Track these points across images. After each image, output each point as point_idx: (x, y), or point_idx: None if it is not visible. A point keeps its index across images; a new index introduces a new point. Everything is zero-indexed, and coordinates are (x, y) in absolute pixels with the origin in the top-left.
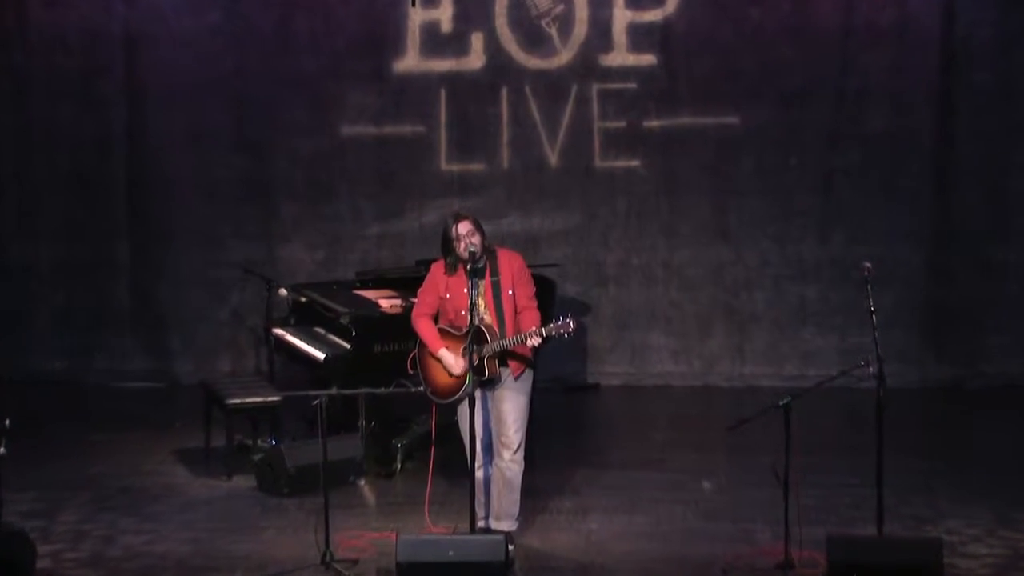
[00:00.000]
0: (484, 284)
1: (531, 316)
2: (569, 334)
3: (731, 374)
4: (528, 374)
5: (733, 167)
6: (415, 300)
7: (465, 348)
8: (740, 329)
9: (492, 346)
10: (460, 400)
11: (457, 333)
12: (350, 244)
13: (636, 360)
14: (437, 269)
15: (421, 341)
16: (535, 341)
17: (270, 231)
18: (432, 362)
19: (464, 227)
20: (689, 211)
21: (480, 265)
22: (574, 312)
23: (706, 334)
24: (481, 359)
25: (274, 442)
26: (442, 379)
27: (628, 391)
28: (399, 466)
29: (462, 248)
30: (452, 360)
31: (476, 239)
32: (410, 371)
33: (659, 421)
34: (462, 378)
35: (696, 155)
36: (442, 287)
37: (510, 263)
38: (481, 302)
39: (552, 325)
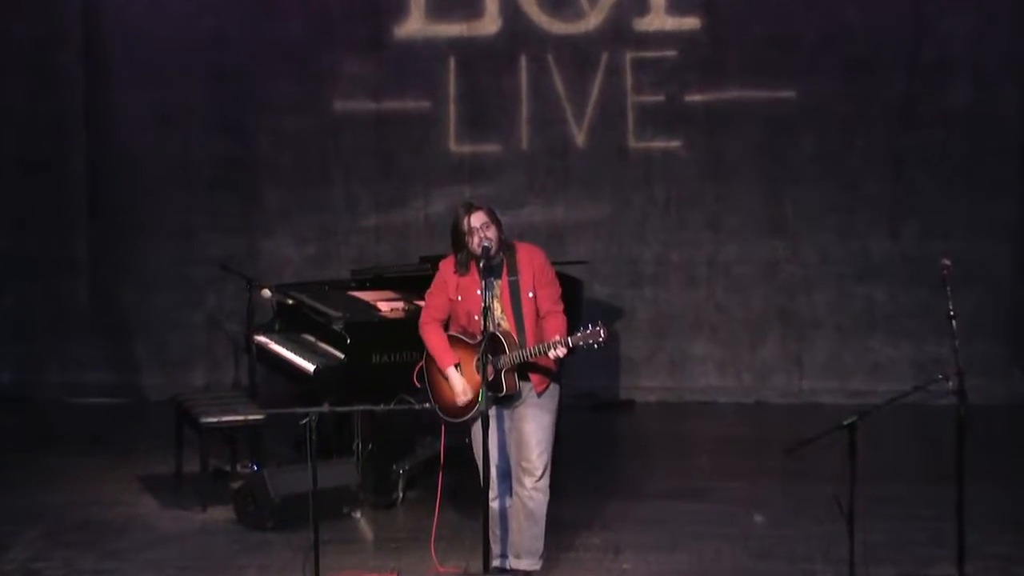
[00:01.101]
0: (500, 285)
1: (555, 322)
2: (599, 344)
3: (787, 389)
4: (553, 390)
5: (789, 149)
6: (420, 303)
7: (479, 359)
8: (797, 337)
9: (510, 357)
10: (473, 419)
11: (470, 341)
12: (344, 238)
13: (676, 373)
14: (446, 267)
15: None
16: (560, 352)
17: (252, 223)
18: (441, 375)
19: (477, 218)
20: (738, 200)
21: (496, 263)
22: (604, 318)
23: (758, 343)
24: (497, 372)
25: (256, 468)
26: (451, 394)
27: (667, 409)
28: (401, 495)
29: (475, 243)
30: (460, 385)
31: (491, 232)
32: (416, 384)
33: (703, 444)
34: (475, 394)
35: (746, 134)
36: (452, 288)
37: (530, 260)
38: (497, 305)
39: (580, 334)
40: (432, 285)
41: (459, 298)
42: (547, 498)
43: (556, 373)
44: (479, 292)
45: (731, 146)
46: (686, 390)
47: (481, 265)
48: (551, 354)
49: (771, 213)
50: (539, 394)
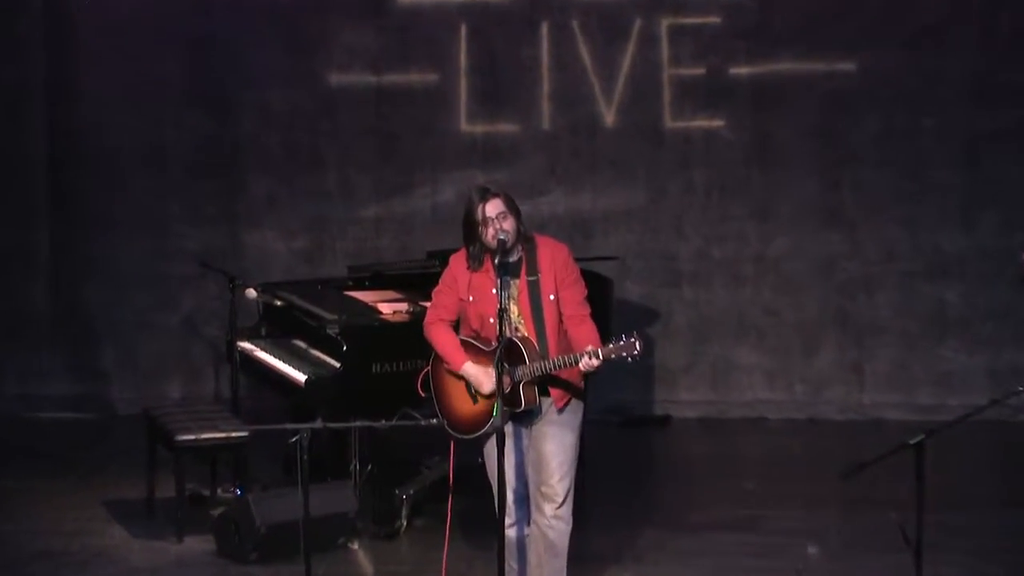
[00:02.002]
0: (519, 284)
1: (584, 330)
2: (634, 358)
3: (845, 403)
4: (576, 405)
5: (848, 129)
6: (426, 304)
7: (494, 368)
8: (857, 343)
9: (531, 368)
10: (487, 436)
11: (485, 348)
12: (340, 230)
13: (719, 384)
14: (457, 263)
15: (436, 354)
16: (593, 364)
17: (235, 213)
18: (451, 383)
19: (494, 207)
20: (789, 187)
21: (513, 259)
22: (637, 321)
23: (812, 350)
24: (515, 384)
25: (239, 492)
26: (464, 406)
27: (708, 426)
28: (404, 524)
29: (490, 235)
30: (481, 374)
31: (509, 223)
32: (421, 394)
33: (749, 466)
34: (491, 404)
35: (799, 113)
36: (463, 286)
37: (552, 257)
38: (514, 308)
39: (612, 345)
40: (440, 282)
41: (471, 298)
42: (570, 528)
43: (581, 387)
44: (494, 291)
45: (782, 126)
46: (730, 404)
47: (496, 261)
48: (582, 365)
49: (827, 202)
50: (560, 410)
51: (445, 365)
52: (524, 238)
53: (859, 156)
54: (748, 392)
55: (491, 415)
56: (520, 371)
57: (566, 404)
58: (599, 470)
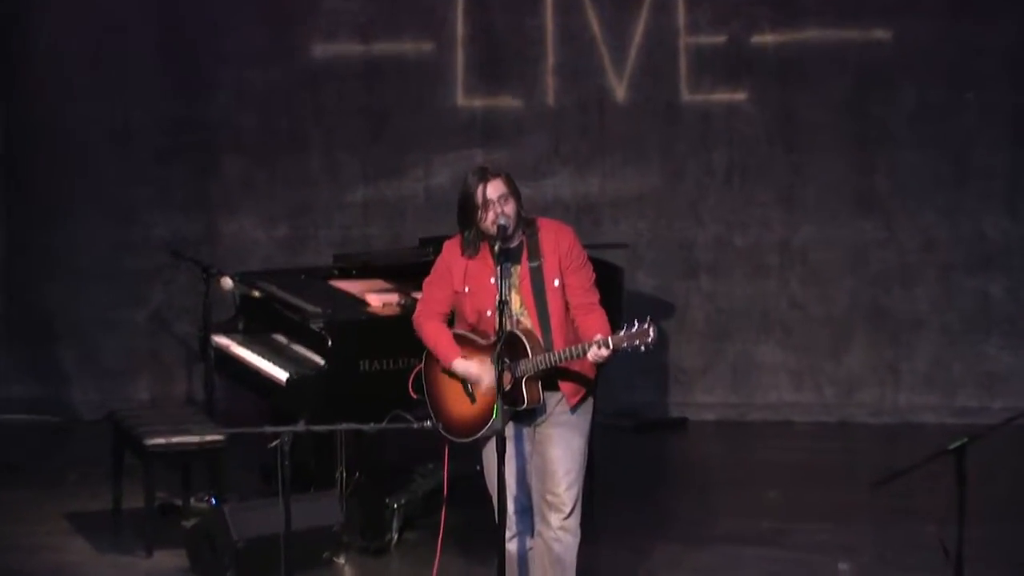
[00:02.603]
0: (519, 271)
1: (593, 318)
2: (647, 347)
3: (880, 405)
4: (587, 405)
5: (882, 104)
6: (419, 296)
7: (494, 363)
8: (892, 340)
9: (534, 362)
10: (486, 439)
11: (482, 342)
12: (325, 215)
13: (740, 385)
14: (450, 251)
15: (428, 352)
16: (601, 354)
17: (209, 197)
18: (446, 382)
19: (495, 189)
20: (818, 168)
21: (513, 244)
22: (652, 317)
23: (843, 348)
24: (517, 381)
25: (214, 502)
26: (460, 407)
27: (729, 429)
28: (395, 537)
29: (490, 220)
30: (476, 370)
31: (510, 207)
32: (413, 395)
33: (774, 473)
34: (490, 405)
35: (828, 86)
36: (458, 276)
37: (556, 241)
38: (516, 298)
39: (624, 333)
40: (432, 272)
41: (466, 289)
42: (577, 540)
43: (591, 382)
44: (492, 281)
45: (809, 101)
46: (752, 407)
47: (496, 248)
48: (591, 356)
49: (859, 186)
50: (573, 408)
51: (437, 363)
52: (526, 222)
53: (894, 135)
54: (772, 393)
55: (490, 416)
56: (522, 366)
57: (577, 403)
58: (610, 478)
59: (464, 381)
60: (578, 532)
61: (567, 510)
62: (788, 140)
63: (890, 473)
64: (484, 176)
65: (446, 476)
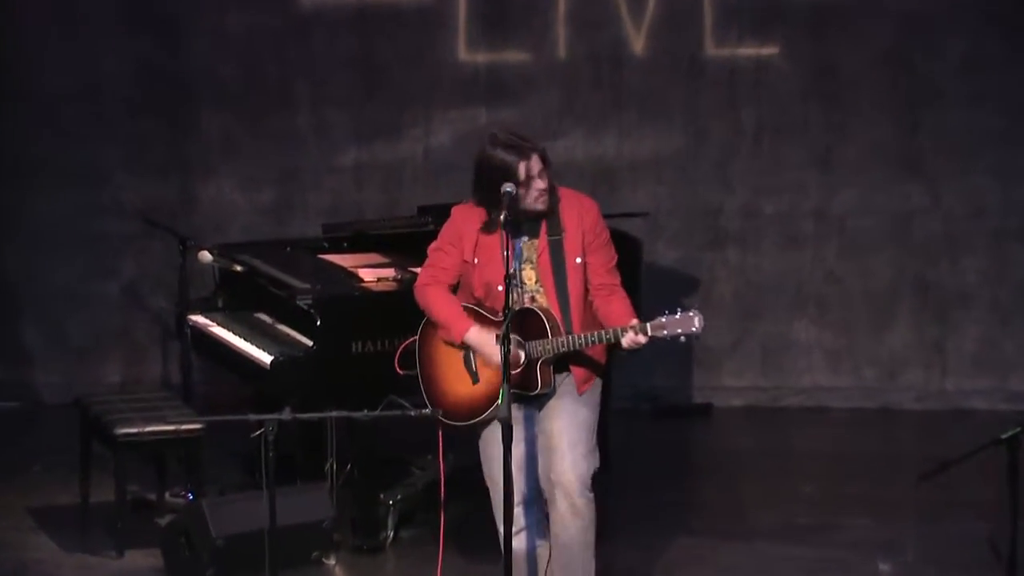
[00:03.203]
0: (538, 245)
1: (617, 301)
2: (692, 337)
3: (925, 389)
4: (596, 385)
5: (928, 57)
6: (416, 270)
7: (500, 341)
8: (939, 318)
9: (554, 344)
10: (486, 424)
11: (493, 317)
12: (313, 180)
13: (770, 367)
14: (463, 216)
15: (427, 323)
16: (639, 341)
17: (185, 159)
18: (444, 358)
19: (534, 164)
20: (857, 128)
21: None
22: (671, 291)
23: (884, 325)
24: (532, 363)
25: (191, 497)
26: (459, 387)
27: (758, 416)
28: (391, 535)
29: (533, 199)
30: (491, 344)
31: (546, 178)
32: (400, 371)
33: (808, 464)
34: (495, 385)
35: (869, 37)
36: (469, 245)
37: (581, 215)
38: (532, 273)
39: (666, 319)
40: (440, 237)
41: (476, 260)
42: (588, 526)
43: (603, 368)
44: (506, 254)
45: (848, 53)
46: (784, 391)
47: (502, 217)
48: (625, 342)
49: (903, 146)
50: (581, 394)
51: (441, 334)
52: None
53: (942, 90)
54: (806, 376)
55: (494, 398)
56: (539, 347)
57: (589, 388)
58: (627, 469)
59: (466, 357)
60: (590, 517)
61: (574, 489)
62: (824, 97)
63: (936, 465)
64: (523, 151)
65: (442, 467)
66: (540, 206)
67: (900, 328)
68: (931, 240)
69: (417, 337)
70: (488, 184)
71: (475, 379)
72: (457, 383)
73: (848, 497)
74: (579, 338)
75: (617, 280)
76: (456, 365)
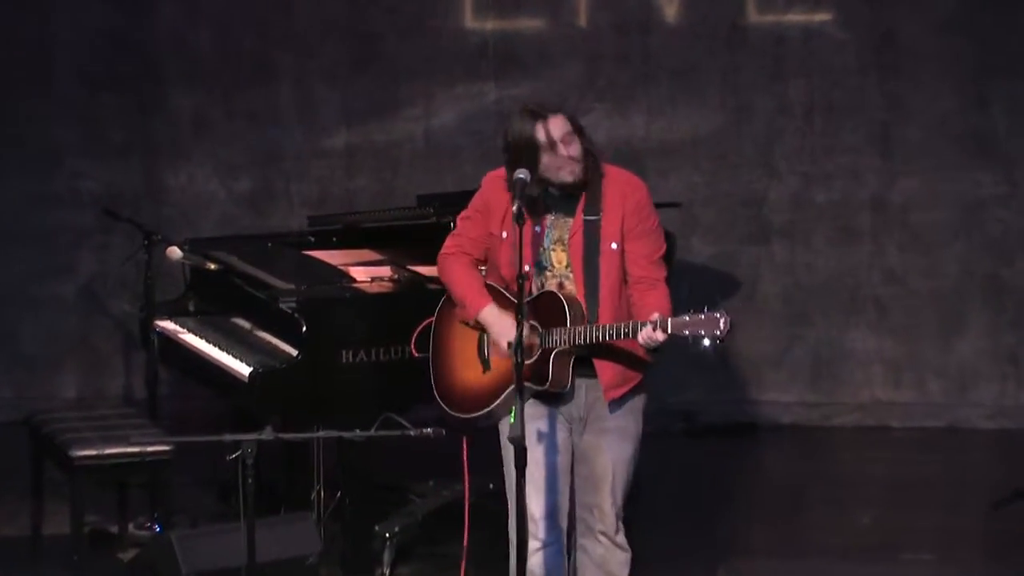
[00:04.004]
0: (572, 225)
1: (654, 296)
2: (716, 341)
3: (998, 405)
4: (635, 402)
5: (1000, 23)
6: (417, 269)
7: (515, 341)
8: (1015, 324)
9: (571, 332)
10: (498, 416)
11: (514, 299)
12: (298, 165)
13: (823, 379)
14: (495, 185)
15: (445, 300)
16: (655, 337)
17: (151, 141)
18: (459, 340)
19: (559, 125)
20: (921, 104)
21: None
22: (710, 293)
23: (954, 331)
24: (545, 353)
25: (158, 528)
26: (468, 373)
27: (808, 436)
28: (387, 572)
29: (559, 167)
30: (505, 325)
31: (577, 146)
32: (415, 353)
33: (866, 491)
34: (504, 376)
35: (933, 1)
36: (497, 217)
37: (624, 193)
38: (562, 257)
39: (688, 317)
40: (468, 207)
41: (504, 234)
42: (629, 556)
43: (640, 374)
44: (538, 230)
45: (910, 19)
46: (838, 407)
47: (515, 208)
48: (642, 337)
49: (973, 126)
50: (617, 402)
51: (457, 311)
52: (592, 164)
53: (1015, 60)
54: (863, 390)
55: (502, 389)
56: (555, 335)
57: (623, 396)
58: (658, 497)
59: (480, 343)
60: (628, 547)
61: (617, 525)
62: (882, 68)
63: (1011, 492)
64: (540, 113)
65: (467, 487)
66: (569, 177)
67: (971, 335)
68: (1006, 233)
69: (434, 318)
70: (511, 162)
71: (486, 367)
72: (466, 370)
73: (910, 529)
74: (597, 330)
75: (662, 274)
76: (468, 350)
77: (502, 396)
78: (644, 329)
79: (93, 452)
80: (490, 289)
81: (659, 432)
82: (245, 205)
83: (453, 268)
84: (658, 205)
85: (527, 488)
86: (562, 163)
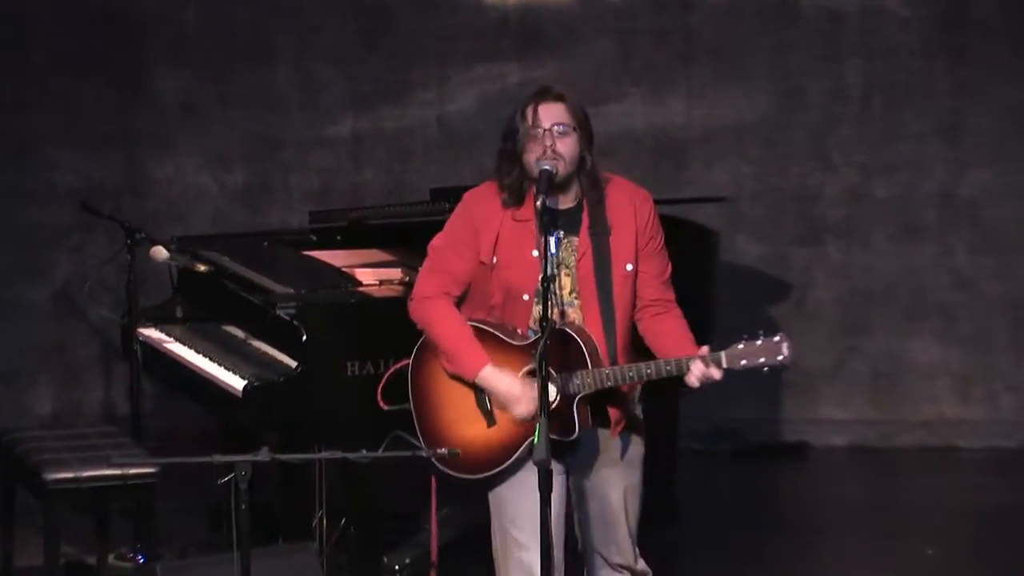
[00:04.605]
0: (578, 244)
1: (672, 322)
2: (778, 367)
3: None
4: (639, 434)
5: None
6: (411, 302)
7: (528, 372)
8: None
9: (596, 376)
10: (509, 473)
11: (511, 340)
12: (298, 155)
13: (882, 395)
14: (479, 202)
15: (425, 344)
16: (713, 376)
17: (135, 129)
18: (449, 391)
19: (551, 113)
20: (993, 88)
21: (569, 205)
22: (757, 299)
23: None
24: (568, 401)
25: (142, 560)
26: (470, 429)
27: (866, 457)
28: None
29: (534, 154)
30: (517, 390)
31: (567, 145)
32: (383, 405)
33: (930, 519)
34: (518, 430)
35: None
36: (487, 240)
37: (636, 207)
38: (567, 281)
39: (743, 346)
40: (445, 232)
41: (495, 260)
42: None
43: (637, 408)
44: (537, 254)
45: None
46: (900, 425)
47: (539, 203)
48: (694, 376)
49: None
50: (624, 435)
51: (447, 365)
52: (590, 176)
53: None
54: (927, 407)
55: (515, 446)
56: (578, 381)
57: (625, 427)
58: (700, 524)
59: (480, 393)
60: (648, 568)
61: (635, 554)
62: (950, 49)
63: None
64: (542, 94)
65: (434, 530)
66: (546, 163)
67: None
68: None
69: (410, 362)
70: (502, 148)
71: (491, 421)
72: (466, 425)
73: (981, 562)
74: (629, 370)
75: (673, 295)
76: (466, 403)
77: (519, 451)
78: (694, 367)
79: (70, 475)
80: (479, 334)
81: (704, 453)
82: (239, 200)
83: (436, 315)
84: (701, 200)
85: (524, 541)
86: (542, 151)
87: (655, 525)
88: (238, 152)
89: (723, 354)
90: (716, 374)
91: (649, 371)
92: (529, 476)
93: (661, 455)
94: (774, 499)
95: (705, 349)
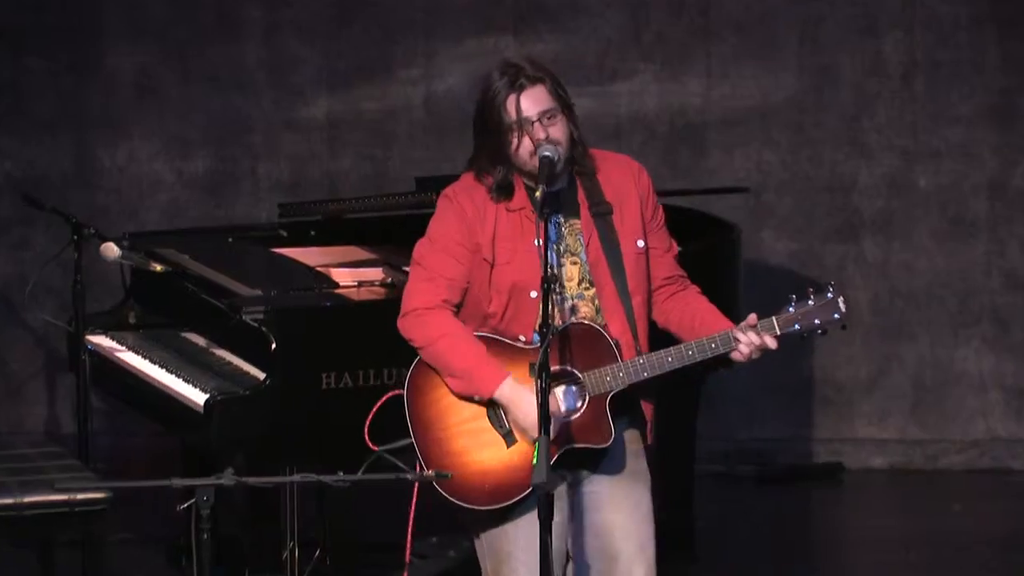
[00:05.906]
0: (582, 228)
1: (697, 297)
2: (834, 326)
3: None
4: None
5: None
6: (403, 319)
7: (535, 374)
8: None
9: (629, 368)
10: (523, 502)
11: (523, 345)
12: (267, 140)
13: (926, 410)
14: (468, 196)
15: (422, 365)
16: (769, 345)
17: (83, 112)
18: (454, 413)
19: (534, 100)
20: None
21: (560, 185)
22: (784, 299)
23: None
24: (600, 401)
25: None
26: (483, 455)
27: (908, 481)
28: None
29: (526, 149)
30: (533, 403)
31: (559, 129)
32: (371, 446)
33: (981, 548)
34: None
35: None
36: (486, 237)
37: (635, 177)
38: (574, 271)
39: (795, 309)
40: (433, 233)
41: (494, 256)
42: None
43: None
44: (537, 242)
45: None
46: (946, 444)
47: (539, 193)
48: (742, 351)
49: None
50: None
51: (454, 386)
52: (579, 154)
53: None
54: (976, 423)
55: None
56: (610, 377)
57: (643, 430)
58: (722, 555)
59: (492, 411)
60: None
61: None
62: (1001, 22)
63: None
64: (516, 81)
65: (408, 553)
66: (547, 151)
67: None
68: None
69: (404, 390)
70: (478, 123)
71: (510, 440)
72: (481, 450)
73: None
74: (668, 355)
75: (685, 272)
76: (478, 425)
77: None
78: (745, 337)
79: (9, 501)
80: (483, 342)
81: (723, 476)
82: (200, 190)
83: (442, 332)
84: (721, 191)
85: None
86: (531, 146)
87: (668, 558)
88: (199, 137)
89: (775, 319)
90: (771, 343)
91: (691, 352)
92: (517, 510)
93: (676, 479)
94: (804, 529)
95: (753, 317)
